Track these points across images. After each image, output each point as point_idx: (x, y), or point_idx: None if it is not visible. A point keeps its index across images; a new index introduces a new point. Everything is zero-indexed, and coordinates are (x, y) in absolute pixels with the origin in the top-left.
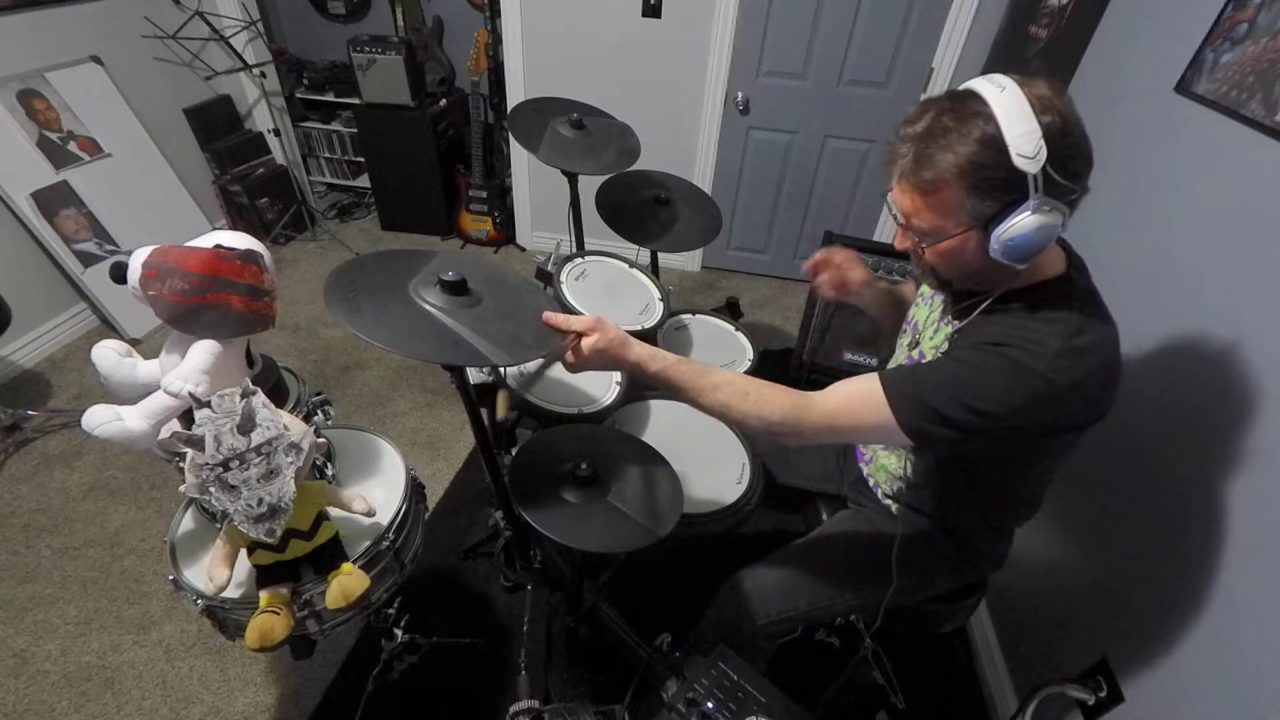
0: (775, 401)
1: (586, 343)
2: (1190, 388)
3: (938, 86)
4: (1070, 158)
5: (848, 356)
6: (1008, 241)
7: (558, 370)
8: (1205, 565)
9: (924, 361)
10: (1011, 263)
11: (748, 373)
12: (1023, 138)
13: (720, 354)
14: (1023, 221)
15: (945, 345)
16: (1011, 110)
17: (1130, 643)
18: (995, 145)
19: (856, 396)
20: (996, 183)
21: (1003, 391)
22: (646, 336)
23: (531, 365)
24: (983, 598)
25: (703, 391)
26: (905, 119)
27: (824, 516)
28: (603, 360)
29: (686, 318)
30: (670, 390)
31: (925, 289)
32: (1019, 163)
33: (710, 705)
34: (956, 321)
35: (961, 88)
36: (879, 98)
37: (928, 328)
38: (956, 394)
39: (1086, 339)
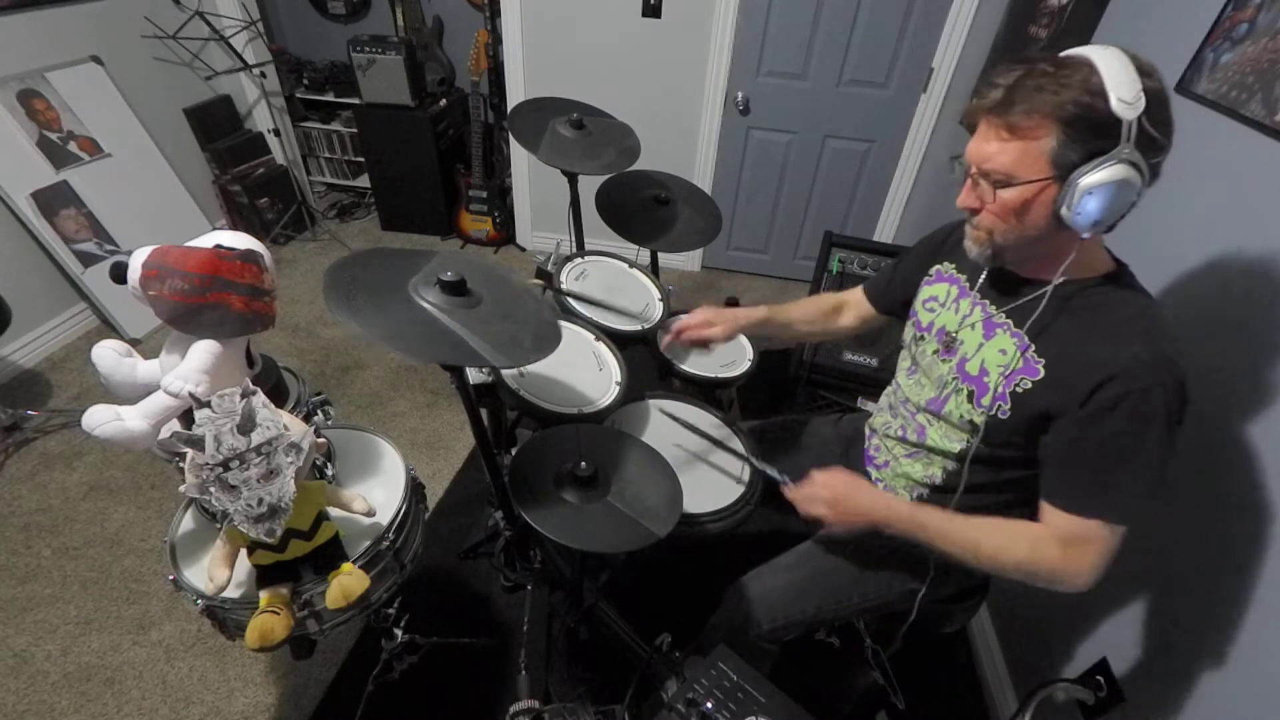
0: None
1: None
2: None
3: (937, 86)
4: (1163, 121)
5: (848, 357)
6: (1087, 194)
7: (560, 370)
8: (1205, 564)
9: (1090, 468)
10: (1077, 228)
11: (748, 373)
12: (1124, 85)
13: (720, 354)
14: (1109, 171)
15: (1016, 354)
16: (1114, 64)
17: (1130, 643)
18: (1095, 91)
19: (1099, 545)
20: (1090, 125)
21: (1165, 442)
22: (647, 336)
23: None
24: (985, 598)
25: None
26: (993, 74)
27: None
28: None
29: None
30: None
31: (938, 292)
32: (1117, 107)
33: (710, 705)
34: (1020, 331)
35: (1059, 54)
36: (879, 98)
37: (965, 331)
38: (1142, 464)
39: (1173, 342)
